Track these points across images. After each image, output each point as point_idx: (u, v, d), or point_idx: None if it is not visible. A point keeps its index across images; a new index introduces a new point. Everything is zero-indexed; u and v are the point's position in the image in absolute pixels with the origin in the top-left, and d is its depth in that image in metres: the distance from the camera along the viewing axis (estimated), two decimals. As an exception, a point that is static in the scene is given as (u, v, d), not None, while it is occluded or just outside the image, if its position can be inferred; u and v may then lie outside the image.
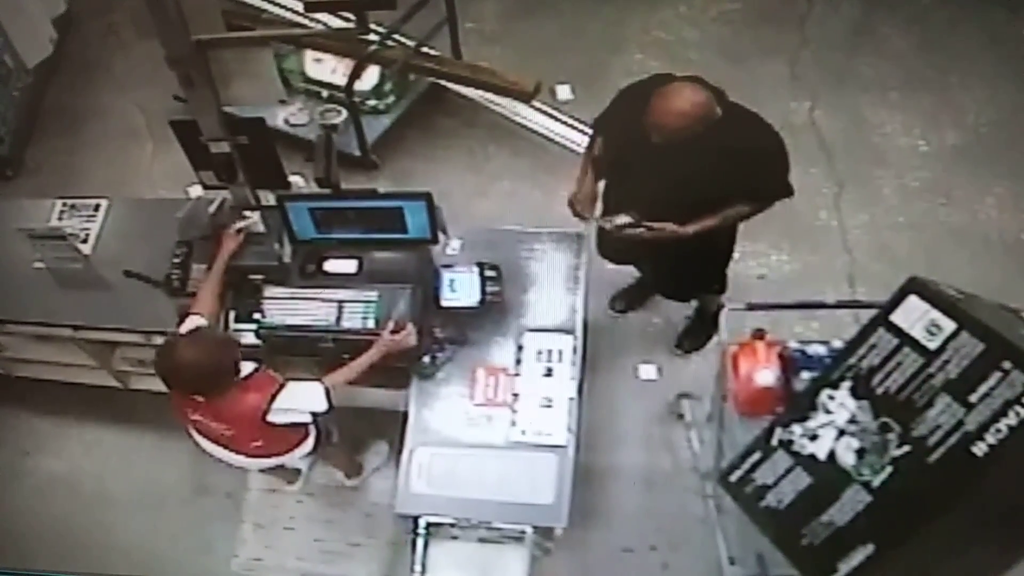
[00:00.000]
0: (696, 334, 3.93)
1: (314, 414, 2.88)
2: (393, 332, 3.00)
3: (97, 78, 5.25)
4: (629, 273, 3.96)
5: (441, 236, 3.24)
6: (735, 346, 2.69)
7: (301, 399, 2.82)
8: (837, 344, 2.52)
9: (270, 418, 2.78)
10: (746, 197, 3.03)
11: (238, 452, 3.02)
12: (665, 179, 2.94)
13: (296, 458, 3.18)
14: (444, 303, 3.19)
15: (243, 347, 3.14)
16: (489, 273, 3.21)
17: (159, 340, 3.41)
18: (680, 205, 3.01)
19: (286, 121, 4.59)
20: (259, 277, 3.27)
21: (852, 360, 2.17)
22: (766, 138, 2.96)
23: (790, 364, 2.56)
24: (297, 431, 3.02)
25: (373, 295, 3.13)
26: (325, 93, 4.64)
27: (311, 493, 3.75)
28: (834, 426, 2.17)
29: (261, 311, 3.20)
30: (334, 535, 3.68)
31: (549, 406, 3.09)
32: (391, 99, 4.63)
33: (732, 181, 2.92)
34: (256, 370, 2.84)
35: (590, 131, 3.48)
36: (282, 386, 2.79)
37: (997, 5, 4.92)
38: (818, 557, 2.13)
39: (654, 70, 4.80)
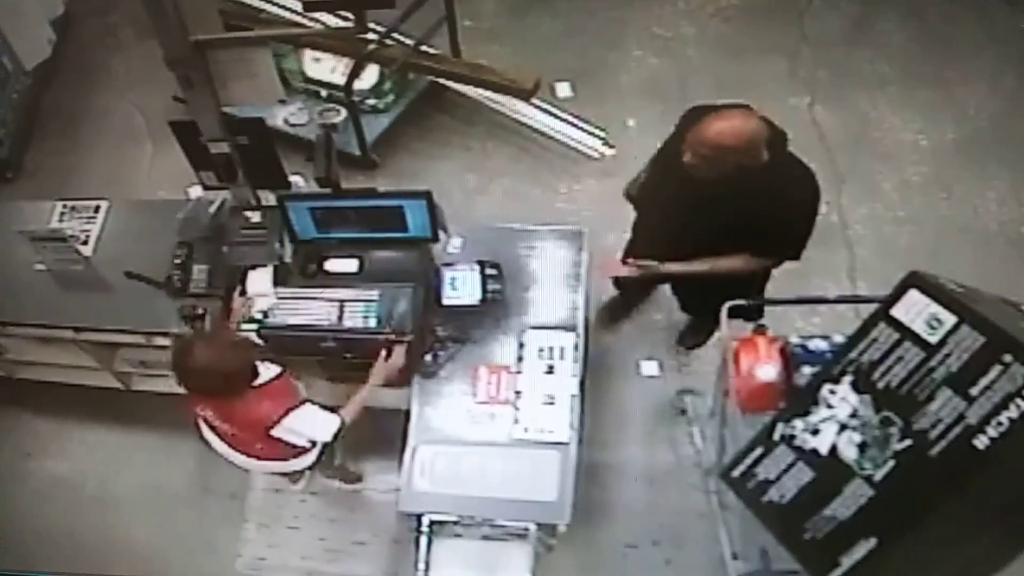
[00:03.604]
0: (697, 331, 3.93)
1: (314, 442, 2.89)
2: (386, 357, 3.02)
3: (96, 79, 5.25)
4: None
5: (442, 234, 3.24)
6: (736, 342, 2.69)
7: (310, 426, 2.82)
8: (838, 339, 2.52)
9: (274, 432, 2.77)
10: (752, 249, 2.95)
11: (241, 452, 3.03)
12: (685, 210, 2.90)
13: (297, 466, 3.17)
14: (445, 301, 3.19)
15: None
16: (490, 271, 3.22)
17: (161, 341, 3.44)
18: (691, 239, 2.99)
19: (286, 121, 4.59)
20: (260, 277, 3.27)
21: (853, 355, 2.17)
22: (800, 196, 2.87)
23: (791, 359, 2.56)
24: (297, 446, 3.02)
25: (374, 294, 3.13)
26: (324, 92, 4.64)
27: (315, 492, 3.76)
28: (836, 420, 2.17)
29: (263, 311, 3.20)
30: (338, 534, 3.68)
31: (551, 403, 3.10)
32: (390, 98, 4.63)
33: (748, 230, 2.84)
34: (278, 376, 2.81)
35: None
36: (298, 405, 2.77)
37: (996, 0, 4.94)
38: (821, 551, 2.13)
39: (653, 67, 4.88)
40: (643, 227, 3.35)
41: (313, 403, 2.84)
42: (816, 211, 2.92)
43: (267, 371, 2.79)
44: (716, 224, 2.87)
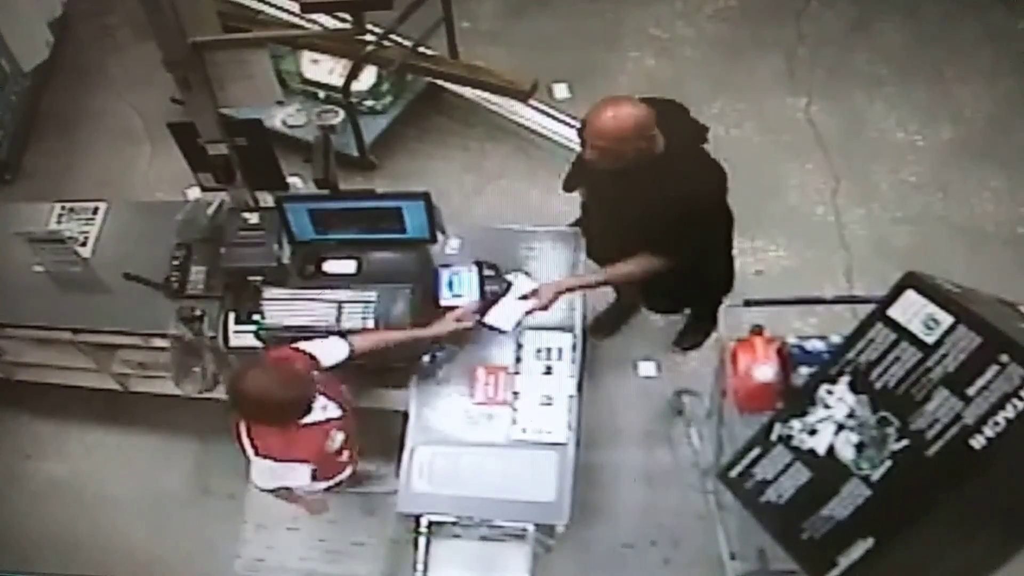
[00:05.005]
0: (695, 332, 3.94)
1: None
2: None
3: (94, 81, 5.25)
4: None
5: (439, 235, 3.24)
6: (734, 342, 2.69)
7: (291, 479, 2.81)
8: (835, 339, 2.52)
9: (264, 468, 2.76)
10: (650, 248, 2.94)
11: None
12: (603, 212, 2.96)
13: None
14: (443, 302, 3.19)
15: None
16: (488, 272, 3.22)
17: (159, 342, 3.44)
18: (614, 241, 3.04)
19: (283, 122, 4.60)
20: (258, 278, 3.27)
21: (850, 355, 2.18)
22: (687, 191, 2.79)
23: (789, 360, 2.56)
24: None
25: (372, 295, 3.13)
26: (322, 94, 4.65)
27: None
28: (833, 421, 2.17)
29: (261, 312, 3.20)
30: (337, 534, 3.67)
31: (549, 404, 3.10)
32: (388, 99, 4.64)
33: (647, 228, 2.87)
34: (325, 422, 2.78)
35: None
36: (311, 463, 2.76)
37: (993, 0, 4.93)
38: (818, 551, 2.14)
39: (651, 68, 4.89)
40: (586, 230, 3.37)
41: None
42: (704, 211, 2.85)
43: (323, 410, 2.76)
44: (625, 221, 2.92)
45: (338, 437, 2.84)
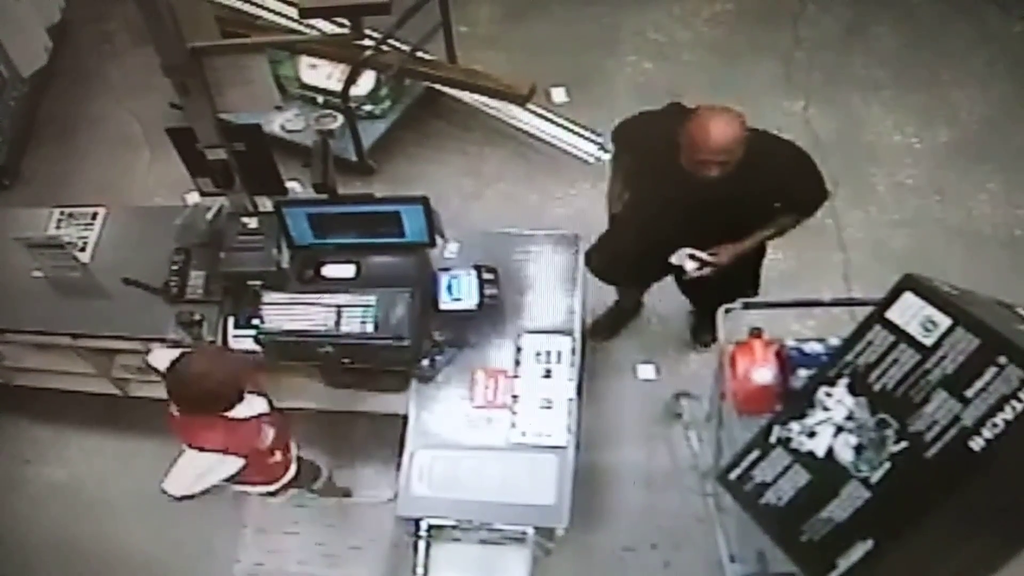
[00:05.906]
0: (709, 327, 3.89)
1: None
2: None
3: (92, 86, 5.25)
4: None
5: (438, 239, 3.24)
6: (732, 345, 2.70)
7: (219, 472, 2.78)
8: (834, 342, 2.52)
9: (196, 460, 2.76)
10: (790, 209, 3.13)
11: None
12: (711, 211, 2.94)
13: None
14: (442, 306, 3.20)
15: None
16: (487, 276, 3.22)
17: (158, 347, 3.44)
18: (729, 231, 3.11)
19: (282, 127, 4.60)
20: (257, 283, 3.27)
21: (849, 357, 2.18)
22: (790, 151, 3.02)
23: (787, 362, 2.57)
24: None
25: (371, 299, 3.13)
26: (321, 99, 4.65)
27: (312, 497, 3.76)
28: (832, 423, 2.17)
29: (260, 317, 3.20)
30: (336, 539, 3.69)
31: (548, 407, 3.10)
32: (387, 104, 4.64)
33: (773, 198, 3.03)
34: (257, 416, 2.79)
35: (610, 144, 3.49)
36: (245, 458, 2.74)
37: (988, 3, 4.95)
38: (818, 553, 2.13)
39: (648, 72, 4.91)
40: (629, 242, 3.35)
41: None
42: (803, 151, 3.03)
43: (250, 406, 2.77)
44: (735, 211, 2.99)
45: (269, 433, 2.84)
